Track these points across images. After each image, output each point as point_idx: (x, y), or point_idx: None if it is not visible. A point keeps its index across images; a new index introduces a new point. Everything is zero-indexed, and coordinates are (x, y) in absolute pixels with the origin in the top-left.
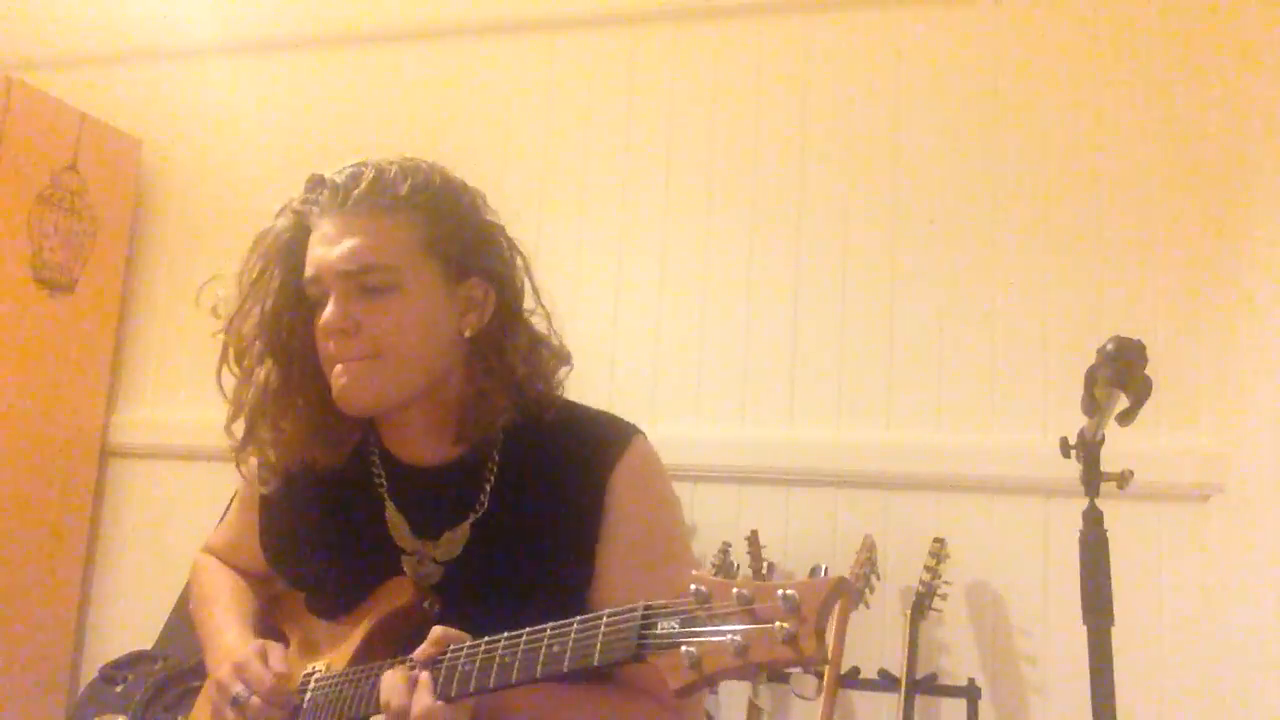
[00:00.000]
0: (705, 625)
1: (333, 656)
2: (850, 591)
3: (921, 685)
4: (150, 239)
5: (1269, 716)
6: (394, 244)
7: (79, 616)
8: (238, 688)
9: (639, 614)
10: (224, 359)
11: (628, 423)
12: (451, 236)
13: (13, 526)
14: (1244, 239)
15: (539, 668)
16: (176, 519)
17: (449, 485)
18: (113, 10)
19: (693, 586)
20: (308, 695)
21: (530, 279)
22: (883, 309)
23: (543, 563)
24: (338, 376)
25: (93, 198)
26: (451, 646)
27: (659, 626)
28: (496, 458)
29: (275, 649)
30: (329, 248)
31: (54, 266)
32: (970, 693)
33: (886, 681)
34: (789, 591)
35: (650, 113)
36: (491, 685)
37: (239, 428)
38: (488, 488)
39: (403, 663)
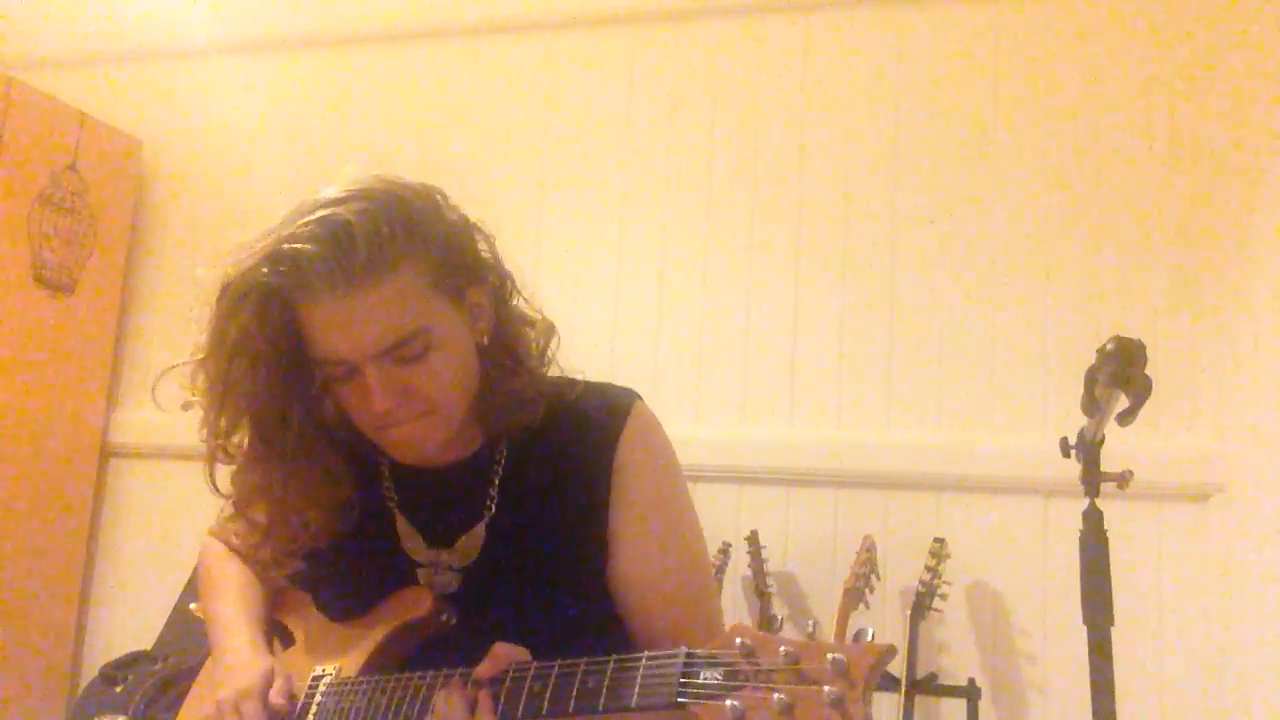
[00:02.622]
0: (750, 680)
1: (343, 661)
2: (844, 600)
3: (921, 685)
4: (150, 239)
5: (1269, 716)
6: (413, 302)
7: (79, 616)
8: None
9: (680, 659)
10: (212, 456)
11: (624, 389)
12: (444, 260)
13: (13, 526)
14: (1244, 239)
15: (572, 702)
16: (176, 519)
17: (458, 485)
18: (113, 10)
19: (738, 640)
20: (316, 698)
21: (497, 255)
22: (883, 309)
23: (559, 549)
24: (395, 438)
25: (93, 198)
26: (515, 667)
27: (701, 676)
28: (505, 451)
29: (281, 680)
30: (350, 332)
31: (54, 266)
32: (970, 693)
33: (886, 681)
34: (838, 655)
35: (650, 113)
36: (521, 714)
37: (235, 525)
38: (496, 481)
39: (451, 678)
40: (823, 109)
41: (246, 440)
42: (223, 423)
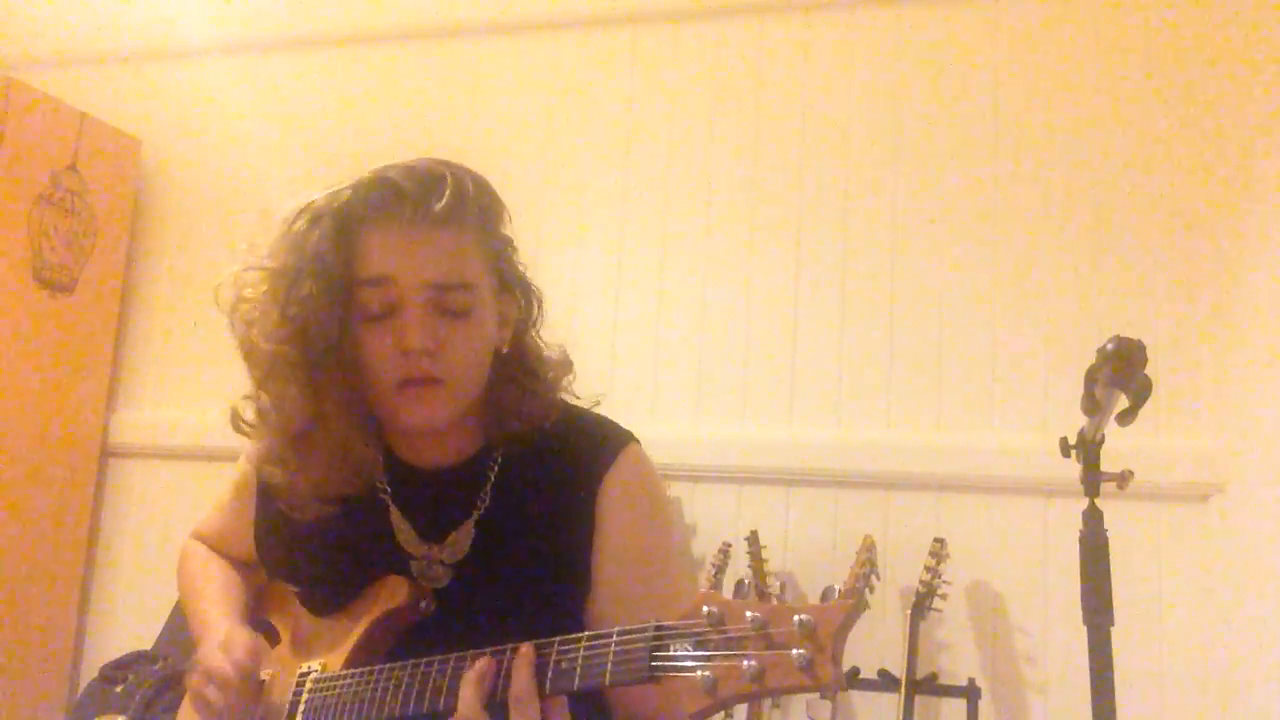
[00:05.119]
0: (719, 649)
1: (328, 656)
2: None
3: (921, 685)
4: (150, 239)
5: (1269, 716)
6: (474, 261)
7: (79, 616)
8: (210, 689)
9: (650, 634)
10: (257, 376)
11: (621, 430)
12: (501, 254)
13: (13, 526)
14: (1244, 239)
15: (548, 684)
16: (176, 519)
17: (452, 486)
18: (113, 10)
19: (705, 608)
20: (305, 696)
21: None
22: (883, 309)
23: (543, 567)
24: (401, 398)
25: (93, 198)
26: (492, 651)
27: (672, 648)
28: (499, 458)
29: (241, 636)
30: (413, 256)
31: (54, 266)
32: (970, 693)
33: (886, 681)
34: (805, 617)
35: (650, 113)
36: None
37: (274, 457)
38: (489, 485)
39: (433, 665)
40: (823, 109)
41: (286, 371)
42: (275, 331)
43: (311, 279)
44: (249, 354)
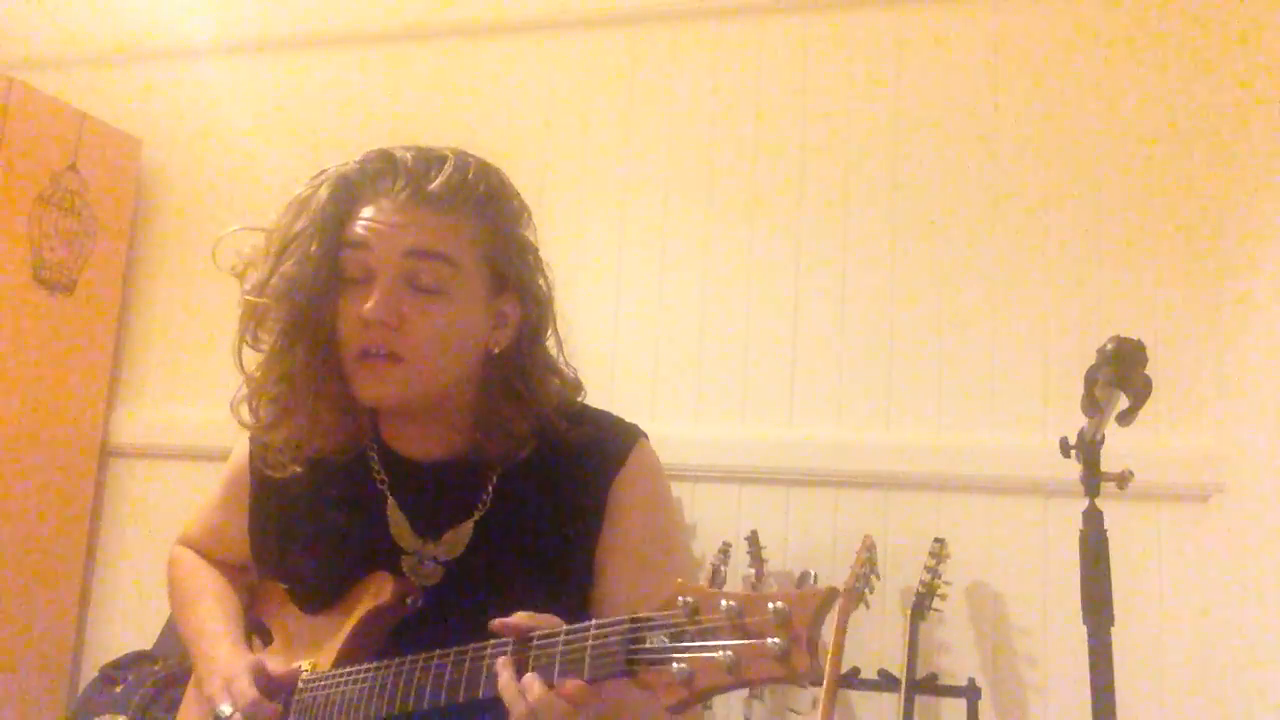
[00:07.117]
0: (695, 640)
1: (317, 656)
2: (844, 600)
3: (921, 685)
4: (150, 239)
5: (1269, 716)
6: (454, 244)
7: (79, 616)
8: (224, 704)
9: (626, 627)
10: (244, 329)
11: (632, 425)
12: (504, 250)
13: (13, 526)
14: (1244, 239)
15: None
16: (176, 519)
17: (451, 482)
18: (113, 10)
19: (680, 599)
20: (294, 697)
21: (553, 304)
22: (882, 309)
23: (543, 565)
24: (359, 368)
25: (93, 198)
26: (473, 648)
27: (648, 641)
28: (500, 458)
29: (267, 665)
30: (391, 226)
31: (54, 266)
32: (970, 693)
33: (886, 681)
34: (779, 605)
35: (650, 113)
36: (463, 696)
37: (256, 407)
38: (490, 486)
39: (417, 662)
40: (823, 110)
41: (281, 320)
42: (271, 290)
43: (306, 239)
44: (243, 307)
